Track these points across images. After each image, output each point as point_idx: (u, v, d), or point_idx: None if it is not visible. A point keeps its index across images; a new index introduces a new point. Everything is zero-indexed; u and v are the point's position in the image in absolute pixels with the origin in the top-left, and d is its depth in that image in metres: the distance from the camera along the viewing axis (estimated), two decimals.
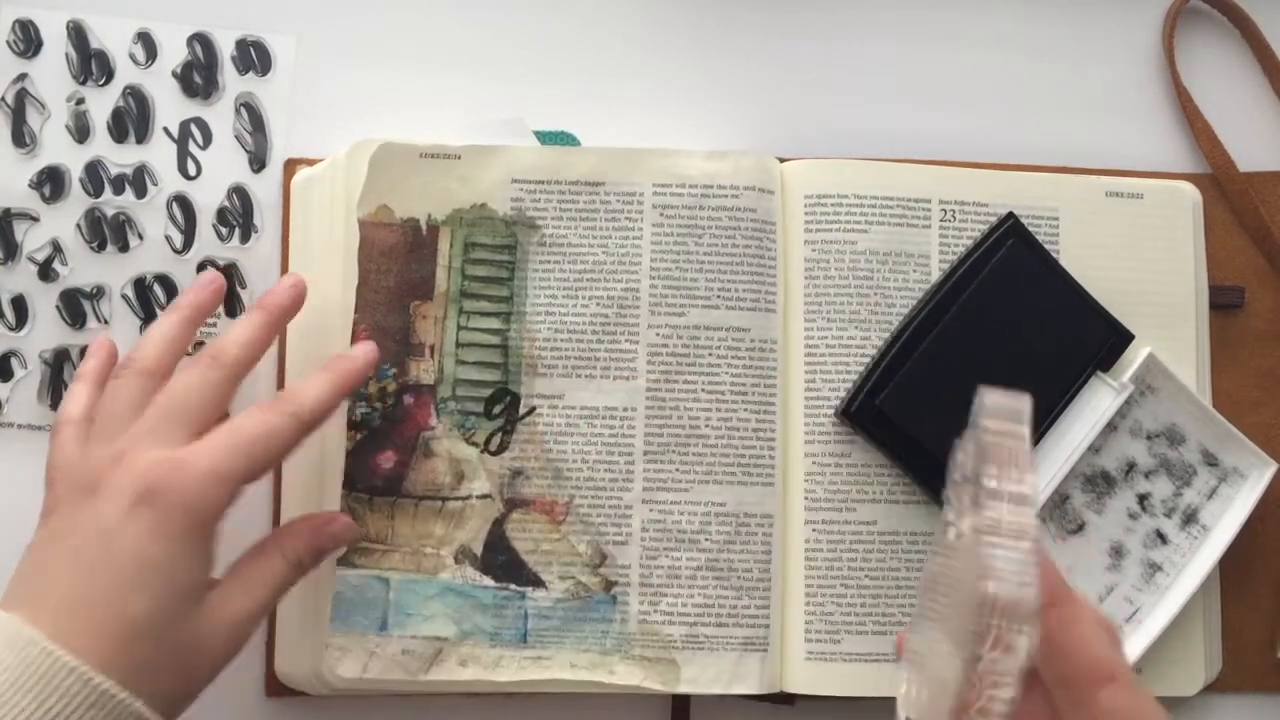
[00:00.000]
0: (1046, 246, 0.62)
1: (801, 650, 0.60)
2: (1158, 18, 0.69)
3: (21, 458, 0.61)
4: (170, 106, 0.64)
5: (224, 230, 0.63)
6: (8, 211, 0.62)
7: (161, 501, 0.47)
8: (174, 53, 0.64)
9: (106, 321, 0.62)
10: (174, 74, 0.64)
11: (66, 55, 0.64)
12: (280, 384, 0.62)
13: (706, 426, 0.60)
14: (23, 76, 0.63)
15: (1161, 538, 0.62)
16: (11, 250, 0.62)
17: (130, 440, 0.50)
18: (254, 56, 0.65)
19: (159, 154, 0.63)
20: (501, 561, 0.59)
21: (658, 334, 0.60)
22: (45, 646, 0.45)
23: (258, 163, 0.64)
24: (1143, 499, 0.62)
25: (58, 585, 0.47)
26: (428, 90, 0.65)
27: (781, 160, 0.63)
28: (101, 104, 0.63)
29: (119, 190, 0.63)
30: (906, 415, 0.60)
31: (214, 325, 0.62)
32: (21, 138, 0.63)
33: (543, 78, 0.66)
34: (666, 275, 0.61)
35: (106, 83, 0.64)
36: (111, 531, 0.47)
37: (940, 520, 0.44)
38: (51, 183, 0.63)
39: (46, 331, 0.62)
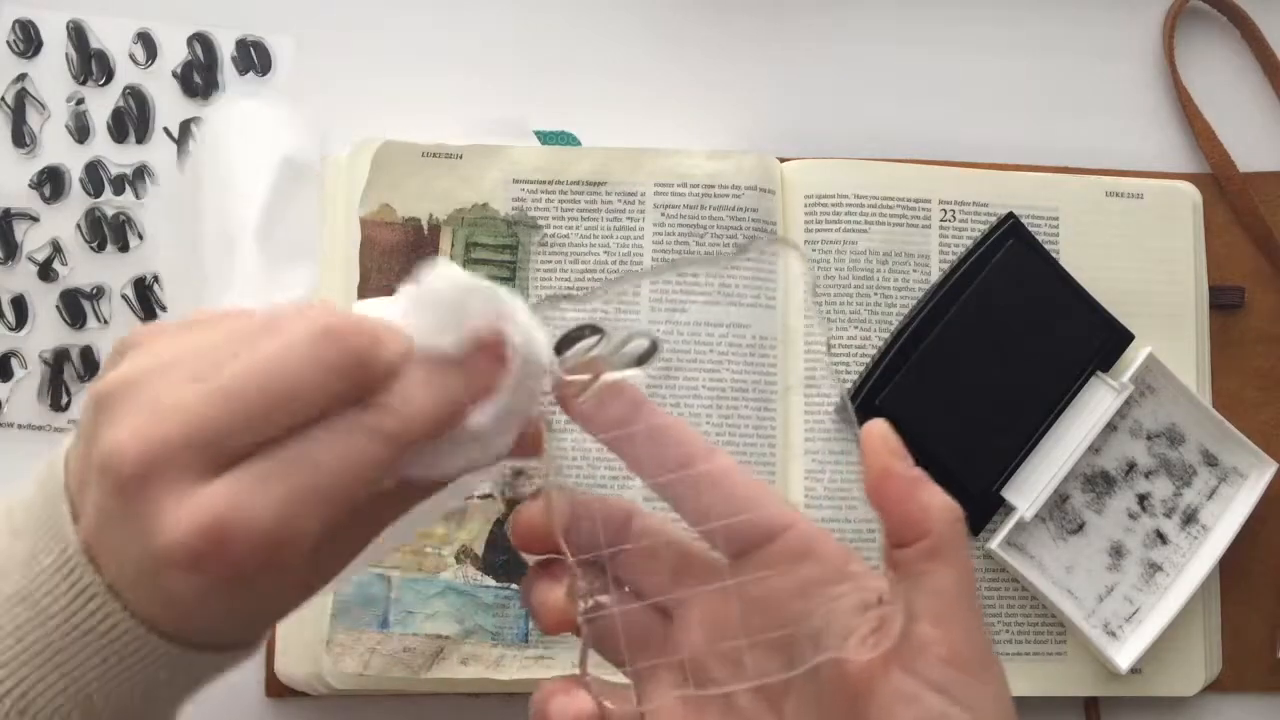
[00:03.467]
0: (1046, 246, 0.62)
1: None
2: (1158, 18, 0.69)
3: (21, 458, 0.61)
4: (170, 106, 0.64)
5: None
6: (8, 211, 0.62)
7: (206, 571, 0.33)
8: (174, 53, 0.64)
9: (106, 322, 0.62)
10: (174, 74, 0.64)
11: (66, 55, 0.64)
12: None
13: (707, 424, 0.60)
14: (23, 76, 0.63)
15: (1161, 538, 0.62)
16: (11, 250, 0.62)
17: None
18: (254, 56, 0.65)
19: (159, 154, 0.63)
20: (502, 561, 0.58)
21: (659, 332, 0.60)
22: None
23: None
24: (1143, 499, 0.62)
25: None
26: (428, 90, 0.65)
27: (782, 160, 0.63)
28: (101, 104, 0.63)
29: (119, 190, 0.63)
30: (906, 415, 0.60)
31: None
32: (21, 138, 0.63)
33: (543, 78, 0.66)
34: (668, 275, 0.61)
35: (106, 83, 0.64)
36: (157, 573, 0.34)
37: None
38: (51, 183, 0.62)
39: (46, 331, 0.62)
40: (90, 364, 0.62)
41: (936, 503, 0.39)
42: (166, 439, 0.33)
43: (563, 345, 0.39)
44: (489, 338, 0.36)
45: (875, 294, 0.62)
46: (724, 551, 0.42)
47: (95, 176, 0.63)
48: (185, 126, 0.64)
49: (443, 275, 0.36)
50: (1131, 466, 0.62)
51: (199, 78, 0.64)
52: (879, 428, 0.40)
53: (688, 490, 0.41)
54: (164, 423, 0.33)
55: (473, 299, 0.36)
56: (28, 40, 0.63)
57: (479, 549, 0.59)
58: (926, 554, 0.38)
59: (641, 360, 0.40)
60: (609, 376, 0.39)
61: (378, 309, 0.37)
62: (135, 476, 0.33)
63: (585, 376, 0.40)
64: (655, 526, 0.43)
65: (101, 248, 0.62)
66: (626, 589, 0.43)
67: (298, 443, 0.34)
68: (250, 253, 0.40)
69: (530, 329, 0.37)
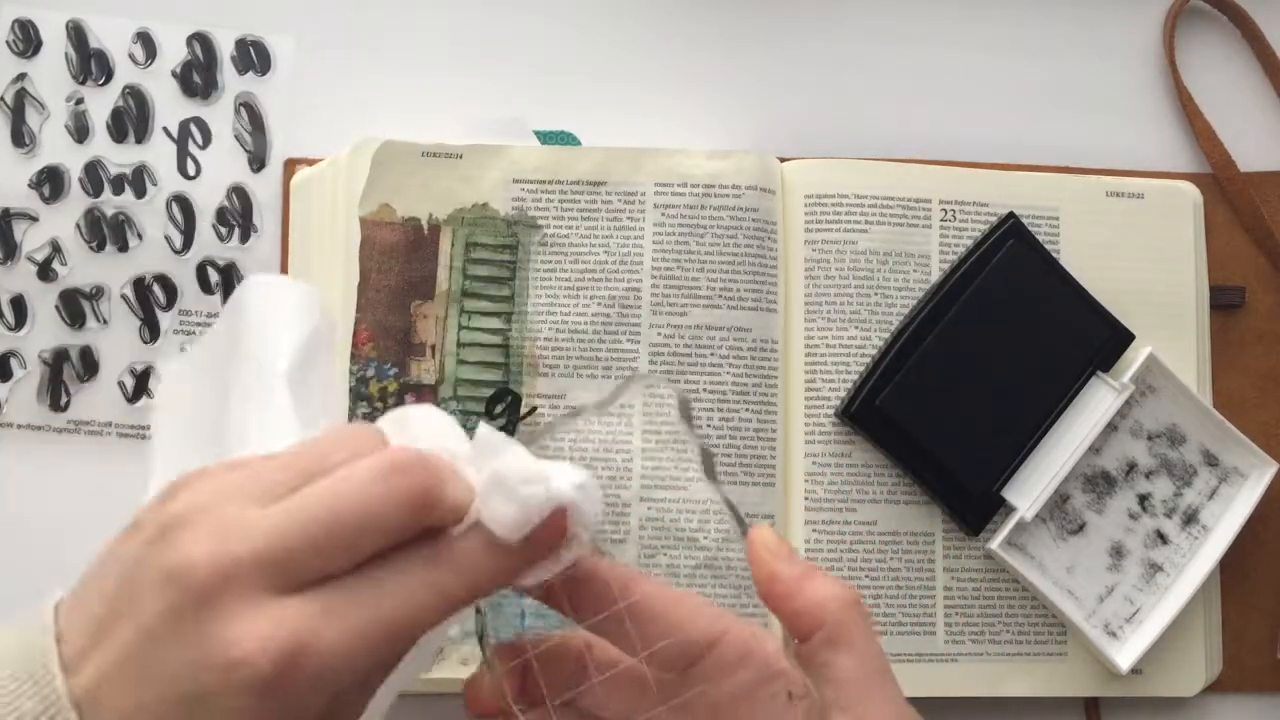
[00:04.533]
0: (1046, 246, 0.62)
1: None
2: (1158, 18, 0.69)
3: (21, 458, 0.61)
4: (170, 106, 0.64)
5: (223, 230, 0.63)
6: (7, 211, 0.62)
7: (273, 694, 0.32)
8: (173, 53, 0.64)
9: (106, 322, 0.62)
10: (173, 74, 0.64)
11: (66, 55, 0.63)
12: None
13: (708, 426, 0.60)
14: (22, 76, 0.63)
15: (1162, 538, 0.62)
16: (11, 250, 0.62)
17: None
18: (254, 56, 0.64)
19: (158, 154, 0.63)
20: None
21: (659, 334, 0.60)
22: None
23: (257, 162, 0.64)
24: (1143, 499, 0.62)
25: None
26: (428, 90, 0.65)
27: (782, 160, 0.63)
28: (101, 104, 0.63)
29: (118, 190, 0.63)
30: (906, 415, 0.60)
31: (213, 323, 0.62)
32: (21, 138, 0.63)
33: (543, 78, 0.66)
34: (668, 275, 0.61)
35: (106, 83, 0.63)
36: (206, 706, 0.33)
37: None
38: (51, 183, 0.62)
39: (46, 331, 0.62)
40: (89, 364, 0.62)
41: (825, 593, 0.41)
42: (239, 556, 0.33)
43: None
44: (552, 519, 0.37)
45: (875, 294, 0.62)
46: (667, 671, 0.43)
47: (95, 176, 0.63)
48: (185, 126, 0.64)
49: (515, 470, 0.37)
50: (1132, 467, 0.62)
51: (198, 77, 0.64)
52: (761, 534, 0.42)
53: (615, 626, 0.42)
54: (235, 541, 0.33)
55: (537, 496, 0.37)
56: (27, 40, 0.63)
57: None
58: (825, 645, 0.40)
59: None
60: None
61: (440, 442, 0.39)
62: (206, 588, 0.32)
63: None
64: (611, 656, 0.44)
65: (101, 248, 0.62)
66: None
67: (366, 579, 0.34)
68: (282, 394, 0.41)
69: (591, 512, 0.38)
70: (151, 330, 0.62)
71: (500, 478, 0.37)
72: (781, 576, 0.41)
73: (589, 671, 0.44)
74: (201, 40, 0.64)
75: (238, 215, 0.63)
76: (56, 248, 0.62)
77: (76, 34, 0.64)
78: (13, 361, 0.61)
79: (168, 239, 0.63)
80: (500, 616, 0.53)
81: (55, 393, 0.61)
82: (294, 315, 0.42)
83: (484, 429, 0.39)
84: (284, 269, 0.63)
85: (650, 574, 0.45)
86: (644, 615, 0.42)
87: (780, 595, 0.41)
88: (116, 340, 0.62)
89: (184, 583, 0.32)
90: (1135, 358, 0.62)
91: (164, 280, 0.62)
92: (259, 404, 0.42)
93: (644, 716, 0.43)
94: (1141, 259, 0.64)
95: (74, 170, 0.63)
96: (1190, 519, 0.63)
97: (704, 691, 0.42)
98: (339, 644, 0.33)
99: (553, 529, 0.37)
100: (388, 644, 0.34)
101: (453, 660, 0.57)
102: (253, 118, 0.64)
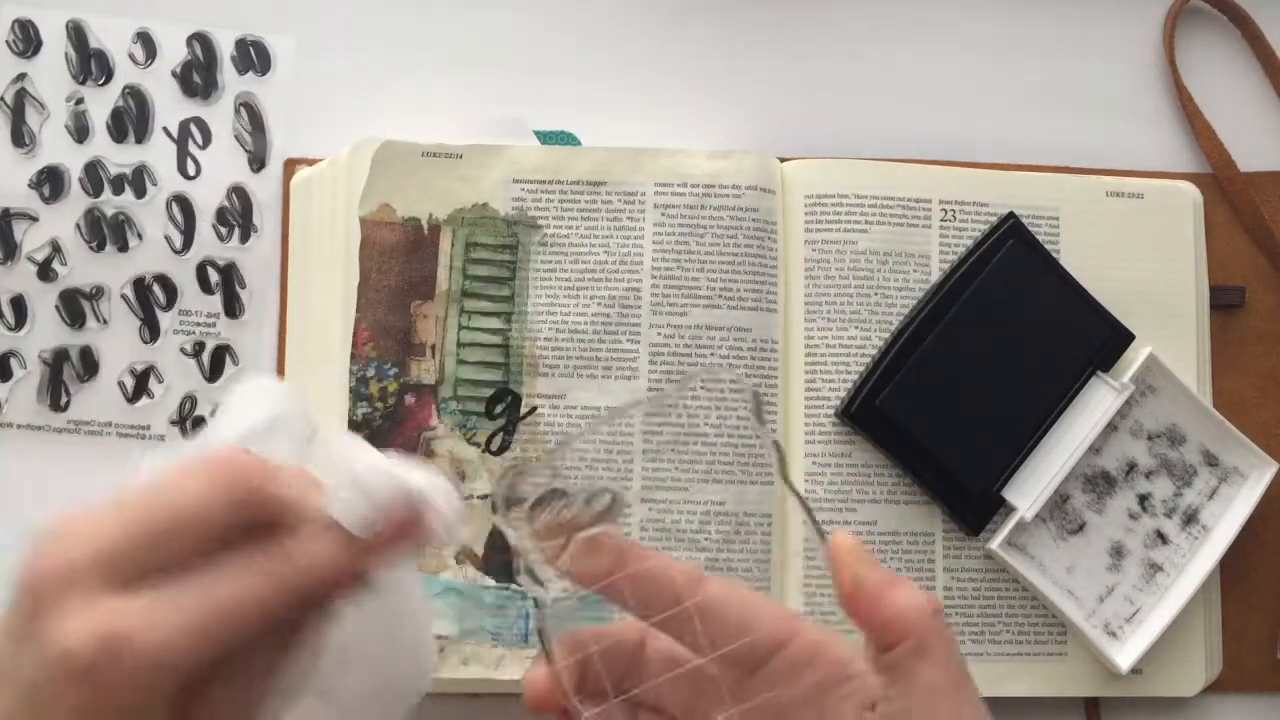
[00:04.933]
0: (1046, 246, 0.62)
1: None
2: (1158, 18, 0.69)
3: (21, 458, 0.61)
4: (170, 106, 0.64)
5: (223, 230, 0.63)
6: (7, 211, 0.62)
7: (96, 684, 0.34)
8: (173, 52, 0.64)
9: (106, 322, 0.62)
10: (173, 74, 0.64)
11: (66, 55, 0.63)
12: None
13: (707, 426, 0.60)
14: (22, 76, 0.63)
15: (1162, 538, 0.62)
16: (11, 250, 0.62)
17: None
18: (253, 56, 0.64)
19: (158, 154, 0.63)
20: (501, 561, 0.58)
21: (659, 334, 0.60)
22: None
23: (257, 162, 0.64)
24: (1143, 499, 0.62)
25: None
26: (428, 90, 0.65)
27: (782, 160, 0.63)
28: (101, 104, 0.63)
29: (118, 190, 0.63)
30: (906, 415, 0.60)
31: (213, 323, 0.62)
32: (21, 138, 0.63)
33: (543, 78, 0.66)
34: (668, 275, 0.61)
35: (106, 83, 0.63)
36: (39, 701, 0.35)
37: None
38: (51, 183, 0.62)
39: (46, 331, 0.62)
40: (89, 364, 0.62)
41: (911, 602, 0.40)
42: (74, 559, 0.35)
43: (533, 511, 0.42)
44: (403, 516, 0.38)
45: (875, 294, 0.62)
46: (734, 670, 0.43)
47: (95, 176, 0.63)
48: (185, 126, 0.64)
49: (370, 467, 0.38)
50: (1132, 467, 0.62)
51: (198, 77, 0.64)
52: (846, 541, 0.42)
53: (683, 626, 0.42)
54: (73, 545, 0.35)
55: (384, 486, 0.37)
56: (27, 40, 0.63)
57: (478, 550, 0.59)
58: (910, 655, 0.40)
59: (606, 515, 0.42)
60: (581, 535, 0.41)
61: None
62: (49, 590, 0.34)
63: (559, 541, 0.42)
64: (669, 648, 0.44)
65: (101, 248, 0.62)
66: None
67: (198, 572, 0.36)
68: None
69: (445, 508, 0.38)
70: (151, 330, 0.62)
71: (348, 469, 0.37)
72: (866, 584, 0.41)
73: (648, 666, 0.44)
74: (201, 40, 0.64)
75: (238, 215, 0.63)
76: (56, 248, 0.62)
77: (76, 34, 0.64)
78: (13, 361, 0.61)
79: (168, 239, 0.63)
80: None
81: (55, 393, 0.61)
82: (255, 408, 0.43)
83: (335, 434, 0.39)
84: (284, 269, 0.63)
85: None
86: (711, 614, 0.42)
87: (865, 604, 0.41)
88: (116, 340, 0.62)
89: (31, 588, 0.35)
90: (1135, 358, 0.62)
91: (164, 280, 0.62)
92: None
93: (721, 718, 0.43)
94: (1141, 259, 0.64)
95: (74, 170, 0.63)
96: (1190, 519, 0.63)
97: (773, 694, 0.42)
98: (164, 633, 0.34)
99: (401, 518, 0.38)
100: (221, 633, 0.35)
101: (453, 660, 0.57)
102: (253, 118, 0.64)
